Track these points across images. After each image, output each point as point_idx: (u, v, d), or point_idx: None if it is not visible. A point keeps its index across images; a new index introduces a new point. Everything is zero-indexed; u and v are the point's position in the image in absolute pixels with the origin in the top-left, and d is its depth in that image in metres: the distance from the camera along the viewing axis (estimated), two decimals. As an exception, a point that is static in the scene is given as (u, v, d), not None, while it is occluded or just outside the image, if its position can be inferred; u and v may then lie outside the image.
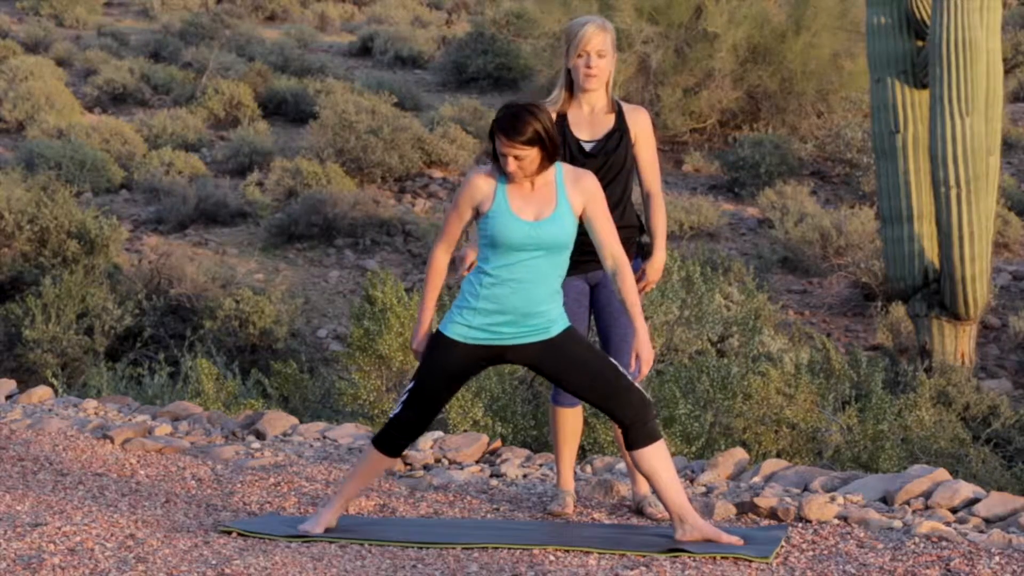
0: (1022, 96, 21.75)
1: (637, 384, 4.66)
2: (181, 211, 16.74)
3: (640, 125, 5.12)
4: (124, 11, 29.85)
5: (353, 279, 15.50)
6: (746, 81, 19.79)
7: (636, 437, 4.60)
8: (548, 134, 4.53)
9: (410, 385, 4.74)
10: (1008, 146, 18.69)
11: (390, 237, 16.58)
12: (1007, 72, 17.60)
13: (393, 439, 4.76)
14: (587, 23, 5.01)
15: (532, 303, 4.58)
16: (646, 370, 4.66)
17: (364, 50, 26.38)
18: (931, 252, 12.73)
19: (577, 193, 4.64)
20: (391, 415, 4.80)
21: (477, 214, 4.65)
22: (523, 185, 4.61)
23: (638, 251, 5.19)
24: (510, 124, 4.52)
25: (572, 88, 5.09)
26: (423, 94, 23.04)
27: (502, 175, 4.62)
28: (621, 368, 4.69)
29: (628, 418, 4.60)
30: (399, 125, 18.74)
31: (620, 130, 5.08)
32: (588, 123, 5.08)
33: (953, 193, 12.23)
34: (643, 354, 4.64)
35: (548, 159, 4.57)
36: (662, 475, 4.61)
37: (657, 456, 4.61)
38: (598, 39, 4.98)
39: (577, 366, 4.61)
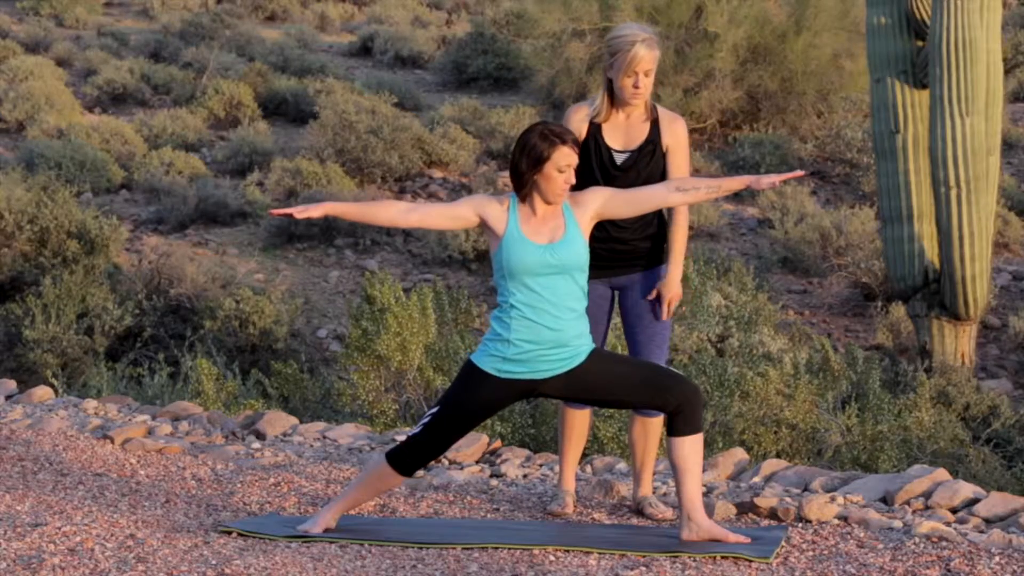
0: (1022, 96, 21.75)
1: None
2: (181, 211, 16.75)
3: (674, 136, 5.02)
4: (124, 11, 29.85)
5: (353, 279, 15.51)
6: (746, 81, 19.80)
7: (682, 423, 4.57)
8: None
9: (434, 409, 4.68)
10: (1008, 146, 18.69)
11: (390, 237, 16.58)
12: (1007, 72, 17.62)
13: (408, 459, 4.72)
14: (636, 42, 4.87)
15: (562, 328, 4.56)
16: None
17: (364, 50, 26.39)
18: (931, 252, 12.73)
19: (581, 211, 4.63)
20: (409, 434, 4.75)
21: (483, 229, 4.64)
22: (532, 214, 4.60)
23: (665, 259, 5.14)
24: (564, 133, 4.58)
25: (611, 96, 5.01)
26: (423, 94, 23.04)
27: (522, 201, 4.61)
28: (658, 362, 4.71)
29: (680, 403, 4.55)
30: (399, 125, 18.74)
31: (653, 142, 4.99)
32: (624, 131, 5.01)
33: (953, 193, 12.23)
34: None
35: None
36: (690, 469, 4.59)
37: (693, 448, 4.59)
38: (648, 59, 4.88)
39: (618, 379, 4.59)
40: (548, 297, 4.56)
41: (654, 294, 5.04)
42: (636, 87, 4.92)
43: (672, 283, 5.01)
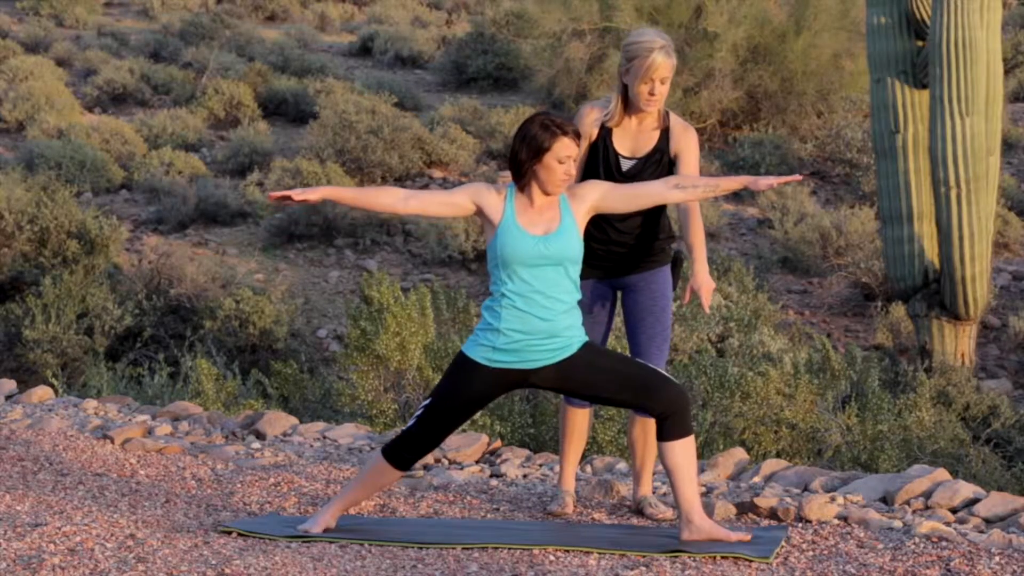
0: (1022, 96, 21.76)
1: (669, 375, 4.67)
2: (181, 211, 16.75)
3: (683, 145, 5.01)
4: (124, 11, 29.86)
5: (353, 279, 15.51)
6: (746, 81, 19.80)
7: (671, 428, 4.56)
8: None
9: (426, 402, 4.68)
10: (1008, 146, 18.70)
11: (390, 237, 16.59)
12: (1007, 72, 17.64)
13: (403, 453, 4.72)
14: (654, 49, 4.86)
15: (553, 319, 4.56)
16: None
17: (364, 50, 26.40)
18: (931, 252, 12.74)
19: (578, 204, 4.62)
20: (404, 428, 4.75)
21: (480, 218, 4.64)
22: (529, 205, 4.60)
23: (672, 261, 5.14)
24: (565, 124, 4.55)
25: (625, 101, 5.00)
26: (423, 94, 23.05)
27: (520, 191, 4.60)
28: (650, 364, 4.70)
29: (666, 408, 4.54)
30: (399, 125, 18.75)
31: (661, 151, 4.99)
32: (633, 136, 5.00)
33: (953, 193, 12.24)
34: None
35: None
36: (684, 471, 4.58)
37: (685, 451, 4.58)
38: (665, 67, 4.87)
39: (605, 374, 4.58)
40: (540, 288, 4.56)
41: (688, 294, 5.04)
42: (652, 94, 4.91)
43: (702, 277, 4.99)
